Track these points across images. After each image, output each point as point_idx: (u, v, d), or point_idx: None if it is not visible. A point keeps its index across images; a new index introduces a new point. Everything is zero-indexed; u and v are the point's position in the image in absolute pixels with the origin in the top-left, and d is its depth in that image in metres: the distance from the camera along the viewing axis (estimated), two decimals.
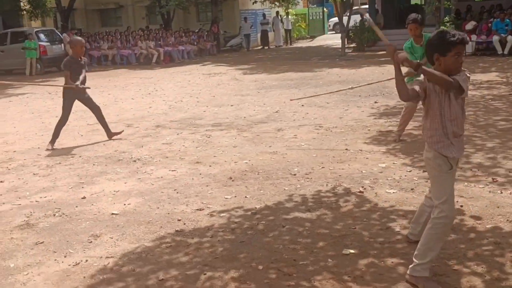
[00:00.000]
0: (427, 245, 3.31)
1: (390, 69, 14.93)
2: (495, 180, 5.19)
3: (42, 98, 13.31)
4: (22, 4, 26.32)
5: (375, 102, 10.11)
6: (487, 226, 4.17)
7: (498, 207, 4.52)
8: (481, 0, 22.47)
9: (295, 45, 30.80)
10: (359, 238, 4.12)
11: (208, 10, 29.21)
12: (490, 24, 17.54)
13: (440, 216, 3.28)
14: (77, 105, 8.01)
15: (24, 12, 26.79)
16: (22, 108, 12.00)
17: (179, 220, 4.69)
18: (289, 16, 31.32)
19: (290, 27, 31.26)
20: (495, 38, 16.85)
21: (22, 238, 4.45)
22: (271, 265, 3.77)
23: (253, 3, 28.55)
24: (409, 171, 5.68)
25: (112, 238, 4.37)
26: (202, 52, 25.30)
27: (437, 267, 3.53)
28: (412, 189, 5.12)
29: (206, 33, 26.44)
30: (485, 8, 20.08)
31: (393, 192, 5.05)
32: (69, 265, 3.92)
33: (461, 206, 4.60)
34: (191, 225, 4.57)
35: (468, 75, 3.22)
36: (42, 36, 20.77)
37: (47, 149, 7.56)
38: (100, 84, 15.63)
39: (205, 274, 3.69)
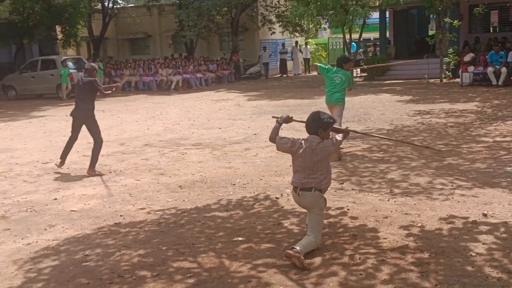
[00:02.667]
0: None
1: (383, 98, 15.89)
2: (392, 191, 6.13)
3: (59, 120, 14.79)
4: (55, 33, 28.37)
5: (347, 127, 11.02)
6: (356, 224, 5.14)
7: (376, 210, 5.48)
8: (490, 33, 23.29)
9: (313, 73, 31.89)
10: (252, 230, 5.16)
11: (230, 40, 30.74)
12: (486, 56, 18.26)
13: None
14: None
15: (58, 41, 28.87)
16: (37, 128, 13.46)
17: (121, 215, 5.82)
18: (308, 46, 32.57)
19: (308, 56, 32.48)
20: (490, 69, 17.58)
21: None
22: (173, 247, 4.84)
23: (271, 34, 30.00)
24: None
25: (63, 227, 5.53)
26: (221, 79, 26.69)
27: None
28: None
29: (226, 61, 27.88)
30: (492, 40, 20.82)
31: None
32: (23, 244, 5.09)
33: (348, 209, 5.57)
34: (129, 219, 5.70)
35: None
36: (70, 63, 22.52)
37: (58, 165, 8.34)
38: (115, 108, 17.11)
39: (120, 252, 4.79)
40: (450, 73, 20.85)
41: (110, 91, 8.70)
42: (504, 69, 17.27)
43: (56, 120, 14.78)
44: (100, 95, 8.39)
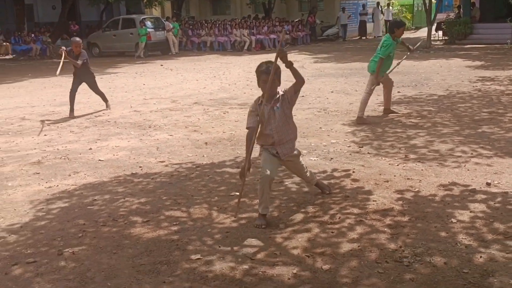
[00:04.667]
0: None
1: (453, 63, 15.20)
2: (406, 156, 6.02)
3: (127, 77, 15.54)
4: None
5: (398, 92, 10.75)
6: (354, 186, 5.15)
7: (380, 174, 5.44)
8: None
9: None
10: (252, 187, 5.33)
11: (309, 0, 30.27)
12: None
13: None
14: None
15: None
16: (105, 83, 14.19)
17: (140, 167, 6.20)
18: (390, 7, 31.37)
19: (390, 18, 31.23)
20: None
21: (28, 169, 6.25)
22: (173, 197, 5.13)
23: None
24: (348, 147, 6.64)
25: (85, 174, 6.00)
26: (296, 41, 26.52)
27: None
28: (331, 158, 6.14)
29: (303, 23, 27.59)
30: None
31: (314, 159, 6.12)
32: (45, 187, 5.60)
33: (353, 172, 5.58)
34: (145, 170, 6.07)
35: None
36: (148, 23, 23.34)
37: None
38: (183, 67, 17.67)
39: (124, 199, 5.15)
40: None
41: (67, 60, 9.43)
42: None
43: (125, 77, 15.54)
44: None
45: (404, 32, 8.42)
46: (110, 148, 7.15)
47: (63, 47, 9.63)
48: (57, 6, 28.98)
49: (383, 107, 8.59)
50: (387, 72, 8.15)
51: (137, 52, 22.27)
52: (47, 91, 13.22)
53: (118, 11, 31.45)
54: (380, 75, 7.89)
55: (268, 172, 4.39)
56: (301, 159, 4.75)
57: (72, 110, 9.57)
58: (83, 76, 9.77)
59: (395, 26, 8.04)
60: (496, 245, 3.76)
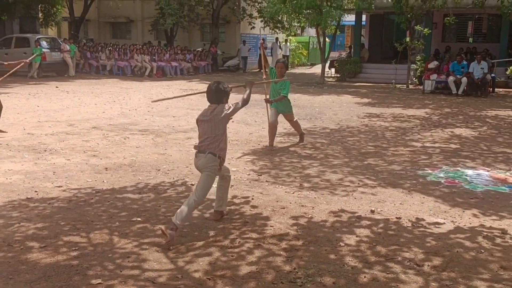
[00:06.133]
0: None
1: (344, 99, 16.21)
2: (301, 185, 6.42)
3: (19, 98, 14.89)
4: (35, 12, 28.28)
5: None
6: (253, 212, 5.42)
7: (277, 201, 5.76)
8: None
9: (291, 70, 32.16)
10: (154, 213, 5.41)
11: (211, 31, 30.88)
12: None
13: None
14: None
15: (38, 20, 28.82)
16: None
17: (36, 191, 6.04)
18: (288, 43, 32.84)
19: (288, 53, 32.72)
20: (451, 78, 17.98)
21: None
22: (71, 222, 5.08)
23: (251, 28, 30.24)
24: (248, 175, 6.93)
25: None
26: (198, 70, 26.85)
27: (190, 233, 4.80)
28: (232, 186, 6.32)
29: (204, 52, 28.03)
30: (463, 50, 21.29)
31: (214, 187, 6.29)
32: None
33: (252, 198, 5.85)
34: (42, 195, 5.92)
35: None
36: (44, 43, 22.55)
37: None
38: (81, 90, 17.25)
39: (19, 224, 5.01)
40: (416, 80, 21.27)
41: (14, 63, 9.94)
42: (464, 79, 17.67)
43: (17, 98, 14.91)
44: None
45: (297, 67, 9.07)
46: (3, 172, 6.88)
47: None
48: None
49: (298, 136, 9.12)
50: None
51: (30, 72, 21.37)
52: None
53: (11, 29, 29.94)
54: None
55: None
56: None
57: None
58: None
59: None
60: (378, 266, 4.16)
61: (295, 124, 9.04)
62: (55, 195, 5.95)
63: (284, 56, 32.35)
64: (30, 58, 10.66)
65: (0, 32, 28.00)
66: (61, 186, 6.28)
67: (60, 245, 4.53)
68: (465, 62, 18.14)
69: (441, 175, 7.08)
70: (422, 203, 5.84)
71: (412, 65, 21.22)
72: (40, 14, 28.09)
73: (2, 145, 8.52)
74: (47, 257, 4.27)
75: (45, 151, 8.16)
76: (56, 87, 18.03)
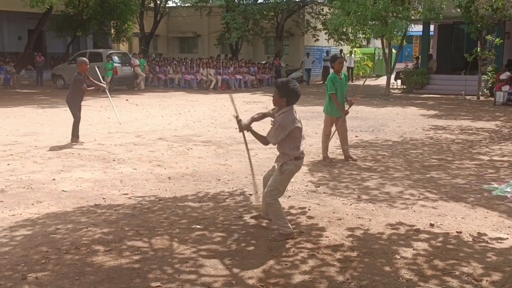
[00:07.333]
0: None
1: (409, 111, 15.92)
2: (359, 197, 6.39)
3: (92, 110, 15.65)
4: (108, 28, 29.71)
5: (356, 136, 11.23)
6: (309, 222, 5.46)
7: (334, 212, 5.77)
8: None
9: (355, 82, 31.89)
10: (213, 221, 5.56)
11: (275, 44, 31.21)
12: None
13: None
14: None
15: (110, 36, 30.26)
16: (70, 116, 14.30)
17: (104, 198, 6.36)
18: (353, 55, 32.59)
19: (352, 65, 32.46)
20: None
21: None
22: (135, 228, 5.32)
23: (315, 41, 30.29)
24: (306, 186, 6.98)
25: (48, 204, 6.12)
26: (261, 82, 27.18)
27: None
28: (289, 196, 6.45)
29: (268, 65, 28.37)
30: None
31: None
32: (8, 215, 5.70)
33: (309, 209, 5.89)
34: (109, 202, 6.23)
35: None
36: (115, 58, 23.60)
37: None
38: (149, 103, 17.90)
39: (87, 228, 5.31)
40: (488, 91, 20.53)
41: (93, 88, 10.22)
42: None
43: (89, 110, 15.63)
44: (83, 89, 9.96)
45: (362, 78, 8.99)
46: (74, 180, 7.28)
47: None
48: (23, 36, 28.95)
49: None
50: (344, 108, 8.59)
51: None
52: (10, 121, 13.20)
53: (85, 44, 31.60)
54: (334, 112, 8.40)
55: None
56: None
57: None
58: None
59: (331, 61, 8.61)
60: (434, 280, 4.09)
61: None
62: (121, 202, 6.24)
63: (348, 67, 32.19)
64: (105, 84, 11.10)
65: (74, 47, 29.65)
66: (127, 194, 6.58)
67: (123, 249, 4.76)
68: None
69: (508, 189, 6.83)
70: (486, 217, 5.67)
71: (483, 76, 20.53)
72: (112, 30, 29.45)
73: (74, 154, 9.01)
74: (111, 260, 4.50)
75: (114, 160, 8.56)
76: (126, 100, 18.79)
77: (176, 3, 36.51)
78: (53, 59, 28.64)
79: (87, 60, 10.32)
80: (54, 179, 7.26)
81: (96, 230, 5.26)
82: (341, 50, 31.86)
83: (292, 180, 7.20)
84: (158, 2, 31.63)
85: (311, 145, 10.03)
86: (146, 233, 5.18)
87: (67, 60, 25.24)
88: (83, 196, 6.45)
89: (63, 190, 6.70)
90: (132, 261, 4.49)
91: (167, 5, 33.35)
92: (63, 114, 14.79)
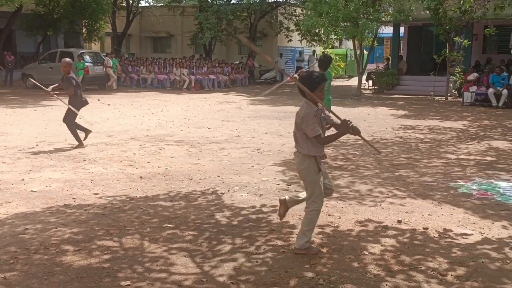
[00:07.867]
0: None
1: (379, 111, 16.15)
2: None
3: (63, 110, 15.42)
4: (79, 27, 29.33)
5: None
6: (279, 220, 5.50)
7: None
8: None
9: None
10: (184, 219, 5.57)
11: None
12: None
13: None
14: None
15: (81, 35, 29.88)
16: (39, 116, 14.14)
17: (74, 198, 6.31)
18: (315, 54, 32.89)
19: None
20: (491, 90, 17.66)
21: None
22: (105, 228, 5.29)
23: (288, 41, 30.47)
24: (278, 184, 7.04)
25: (17, 204, 6.05)
26: (235, 83, 27.21)
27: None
28: (261, 195, 6.50)
29: (241, 65, 28.42)
30: (505, 61, 20.85)
31: (244, 195, 6.46)
32: None
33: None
34: (79, 202, 6.18)
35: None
36: (87, 57, 23.32)
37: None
38: (121, 103, 17.76)
39: (56, 228, 5.26)
40: (456, 92, 20.96)
41: (57, 92, 10.26)
42: (505, 91, 17.33)
43: (60, 110, 15.39)
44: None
45: (334, 79, 9.10)
46: (43, 180, 7.20)
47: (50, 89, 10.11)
48: None
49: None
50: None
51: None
52: None
53: (56, 43, 31.14)
54: None
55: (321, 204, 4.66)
56: None
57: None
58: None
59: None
60: (401, 274, 4.19)
61: None
62: (91, 202, 6.20)
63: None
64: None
65: (45, 47, 29.18)
66: (97, 194, 6.54)
67: (93, 249, 4.74)
68: (505, 74, 17.79)
69: (474, 187, 7.01)
70: (451, 214, 5.81)
71: (451, 77, 20.94)
72: (83, 30, 29.09)
73: (44, 154, 8.90)
74: (80, 260, 4.48)
75: (84, 160, 8.48)
76: (98, 99, 18.59)
77: (149, 3, 36.37)
78: (23, 59, 28.14)
79: (72, 61, 10.09)
80: (23, 179, 7.17)
81: (66, 230, 5.22)
82: (314, 51, 32.14)
83: (264, 178, 7.32)
84: (131, 1, 31.37)
85: (283, 144, 10.11)
86: (117, 233, 5.16)
87: (37, 59, 24.84)
88: (52, 196, 6.38)
89: (32, 190, 6.62)
90: (102, 261, 4.48)
91: (139, 5, 33.11)
92: (33, 114, 14.61)
